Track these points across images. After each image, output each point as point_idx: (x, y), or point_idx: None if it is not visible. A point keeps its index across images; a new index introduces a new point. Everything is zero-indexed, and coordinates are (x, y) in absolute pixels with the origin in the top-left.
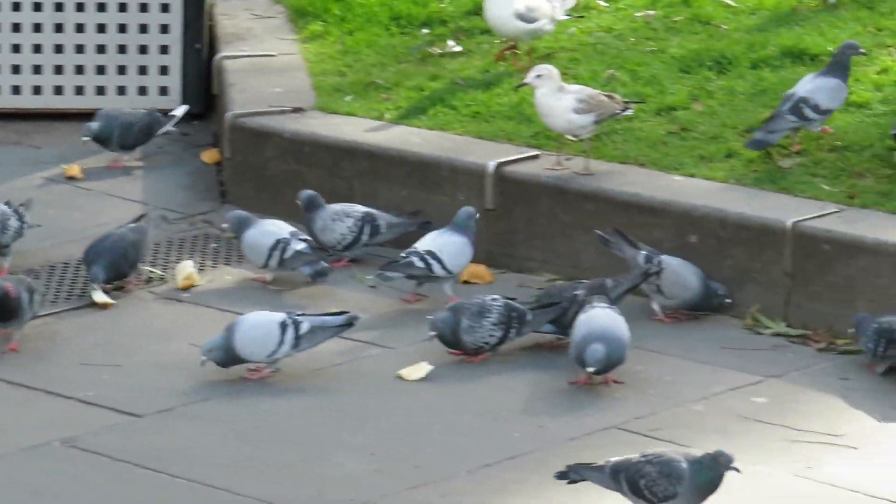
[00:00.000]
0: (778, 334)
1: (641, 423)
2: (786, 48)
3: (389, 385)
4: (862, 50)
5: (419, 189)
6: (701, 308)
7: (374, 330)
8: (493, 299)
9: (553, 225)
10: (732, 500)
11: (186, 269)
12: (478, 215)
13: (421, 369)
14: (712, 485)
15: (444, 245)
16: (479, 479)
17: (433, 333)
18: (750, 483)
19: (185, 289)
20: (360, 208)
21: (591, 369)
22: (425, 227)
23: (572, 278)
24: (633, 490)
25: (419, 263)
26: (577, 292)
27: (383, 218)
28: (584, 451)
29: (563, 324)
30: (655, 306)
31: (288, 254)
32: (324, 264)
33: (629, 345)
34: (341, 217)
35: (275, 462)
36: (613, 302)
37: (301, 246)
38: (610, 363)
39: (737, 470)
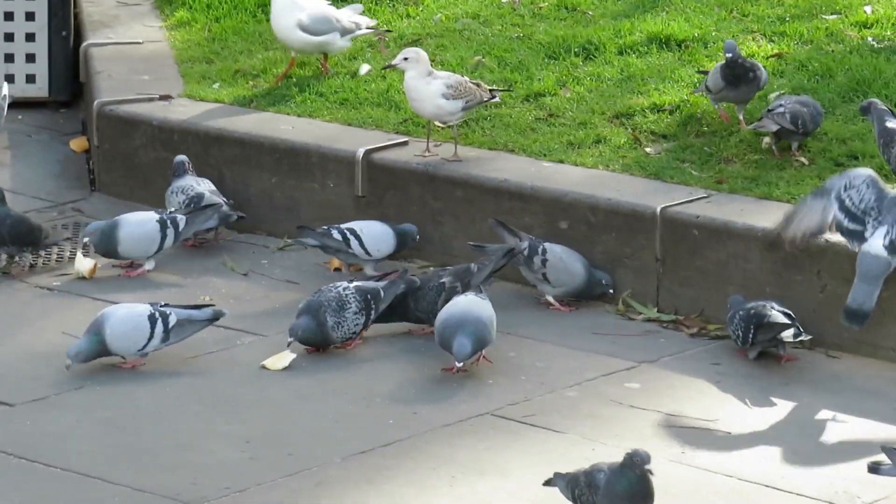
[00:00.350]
0: (650, 320)
1: (515, 409)
2: (652, 34)
3: (263, 373)
4: (728, 54)
5: (289, 176)
6: (585, 296)
7: (246, 318)
8: (345, 288)
9: (423, 211)
10: None
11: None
12: (417, 237)
13: (284, 358)
14: (635, 490)
15: (366, 227)
16: (353, 467)
17: (292, 340)
18: None
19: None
20: (200, 189)
21: (459, 364)
22: (240, 220)
23: (444, 264)
24: (574, 502)
25: (336, 236)
26: (444, 280)
27: (211, 200)
28: (458, 437)
29: (432, 311)
30: (550, 298)
31: (181, 225)
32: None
33: (493, 324)
34: (177, 192)
35: (149, 450)
36: (480, 285)
37: (182, 213)
38: (476, 349)
39: (650, 472)
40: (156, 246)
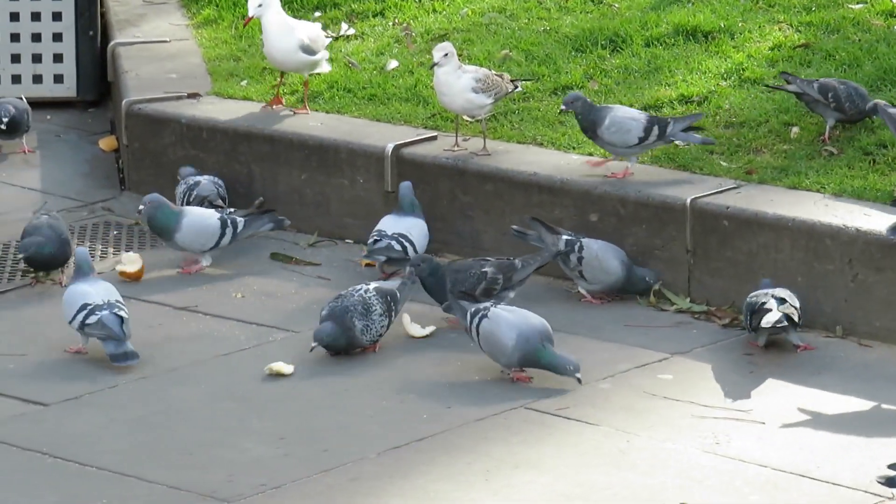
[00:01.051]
0: (681, 311)
1: (549, 402)
2: (679, 25)
3: (295, 370)
4: (562, 107)
5: (318, 172)
6: (626, 291)
7: (278, 314)
8: (366, 290)
9: (453, 206)
10: (642, 477)
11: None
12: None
13: (287, 367)
14: None
15: (411, 228)
16: (388, 462)
17: (315, 345)
18: (659, 459)
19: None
20: (199, 178)
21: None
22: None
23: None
24: None
25: (397, 247)
26: (486, 269)
27: (204, 189)
28: (492, 431)
29: (473, 296)
30: (583, 290)
31: (240, 226)
32: (275, 218)
33: None
34: (180, 183)
35: (183, 448)
36: (522, 282)
37: (240, 214)
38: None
39: None
40: (213, 241)
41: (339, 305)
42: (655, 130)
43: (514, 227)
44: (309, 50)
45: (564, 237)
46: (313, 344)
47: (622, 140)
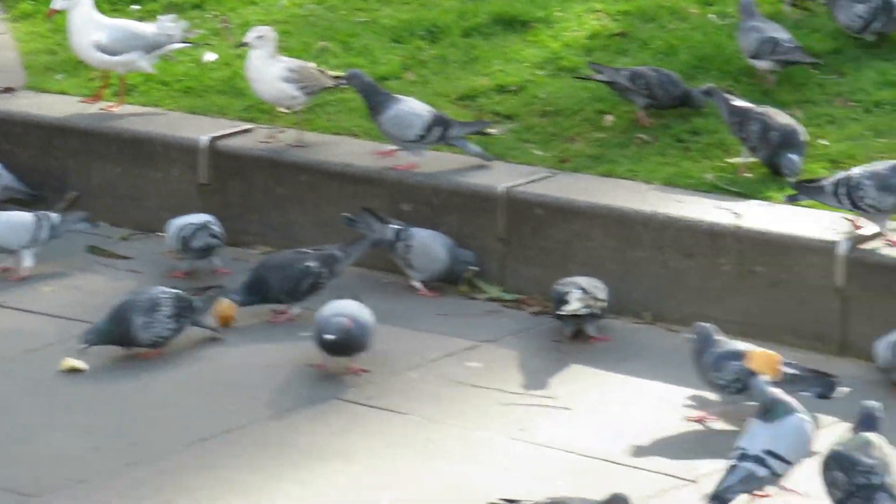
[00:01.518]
0: (493, 299)
1: (358, 392)
2: (497, 15)
3: (105, 364)
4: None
5: (133, 165)
6: (449, 279)
7: (86, 308)
8: (163, 292)
9: (268, 198)
10: (450, 465)
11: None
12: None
13: (79, 364)
14: None
15: (208, 217)
16: (195, 454)
17: (85, 346)
18: (466, 447)
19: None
20: None
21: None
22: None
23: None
24: None
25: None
26: (309, 263)
27: (8, 180)
28: (301, 422)
29: (294, 293)
30: (416, 284)
31: (56, 222)
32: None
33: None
34: None
35: None
36: (341, 271)
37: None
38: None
39: None
40: (28, 237)
41: (126, 301)
42: (437, 131)
43: (345, 214)
44: (108, 50)
45: (393, 226)
46: (83, 345)
47: (401, 133)
